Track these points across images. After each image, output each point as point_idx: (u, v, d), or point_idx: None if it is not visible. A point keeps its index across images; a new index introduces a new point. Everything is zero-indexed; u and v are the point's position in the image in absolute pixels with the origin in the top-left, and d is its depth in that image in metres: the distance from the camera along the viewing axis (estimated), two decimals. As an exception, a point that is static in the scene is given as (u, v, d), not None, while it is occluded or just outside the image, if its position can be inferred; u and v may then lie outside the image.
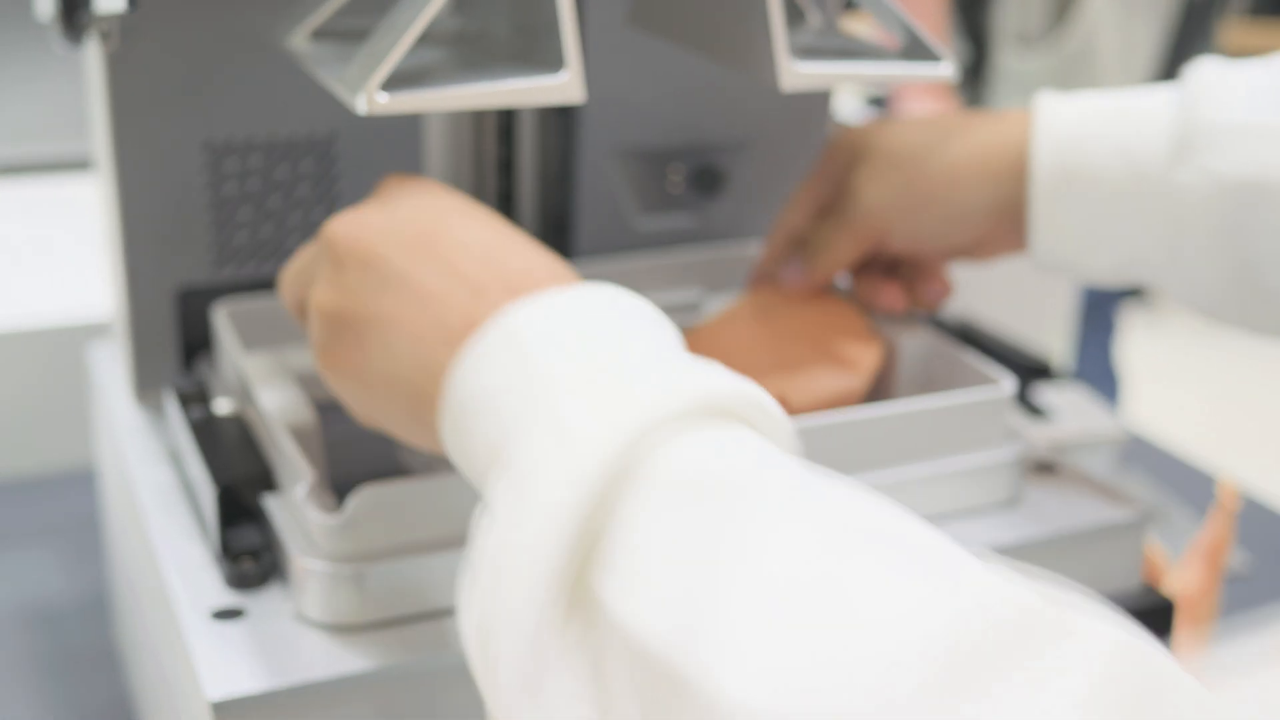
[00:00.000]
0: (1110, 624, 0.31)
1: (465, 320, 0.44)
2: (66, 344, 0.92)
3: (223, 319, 0.64)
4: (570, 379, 0.40)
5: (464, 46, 0.57)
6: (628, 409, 0.37)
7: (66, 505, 0.90)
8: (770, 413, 0.41)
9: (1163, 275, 0.62)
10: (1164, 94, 0.62)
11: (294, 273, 0.54)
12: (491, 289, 0.45)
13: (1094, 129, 0.62)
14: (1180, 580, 0.76)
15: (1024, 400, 0.98)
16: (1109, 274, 0.64)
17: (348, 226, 0.49)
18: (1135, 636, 0.31)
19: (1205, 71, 0.61)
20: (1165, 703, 0.29)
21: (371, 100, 0.49)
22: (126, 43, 0.63)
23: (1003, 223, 0.65)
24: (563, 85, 0.51)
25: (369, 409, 0.49)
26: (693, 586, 0.33)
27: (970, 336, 1.06)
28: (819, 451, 0.46)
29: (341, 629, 0.52)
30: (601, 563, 0.36)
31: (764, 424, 0.40)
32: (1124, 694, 0.29)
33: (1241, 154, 0.58)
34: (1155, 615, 0.62)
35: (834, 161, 0.68)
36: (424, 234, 0.47)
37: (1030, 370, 1.02)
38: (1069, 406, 0.98)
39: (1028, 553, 0.60)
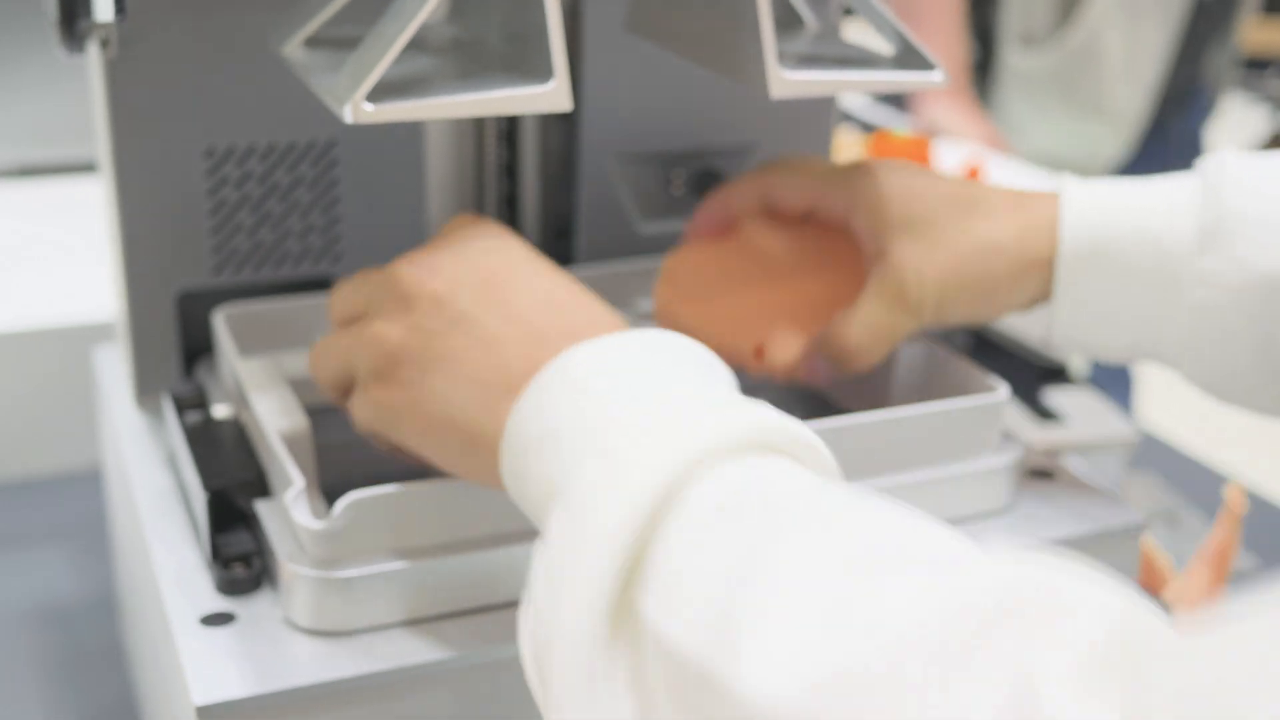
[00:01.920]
0: (1112, 594, 0.33)
1: (526, 365, 0.47)
2: (79, 344, 0.93)
3: (221, 323, 0.65)
4: (624, 418, 0.43)
5: (458, 55, 0.57)
6: (676, 443, 0.41)
7: (76, 505, 0.91)
8: (813, 446, 0.44)
9: (1182, 359, 0.62)
10: (1188, 181, 0.62)
11: (332, 348, 0.55)
12: (553, 336, 0.48)
13: (1118, 213, 0.62)
14: (1184, 587, 0.75)
15: (1035, 404, 0.98)
16: (1124, 354, 0.64)
17: (418, 268, 0.52)
18: (1134, 605, 0.32)
19: (1229, 162, 0.61)
20: (1157, 669, 0.30)
21: (357, 110, 0.49)
22: (126, 49, 0.63)
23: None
24: (549, 94, 0.51)
25: (418, 441, 0.51)
26: (723, 598, 0.36)
27: (984, 339, 1.06)
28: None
29: (329, 635, 0.52)
30: (644, 583, 0.39)
31: (808, 457, 0.43)
32: (1117, 662, 0.30)
33: (1273, 246, 0.59)
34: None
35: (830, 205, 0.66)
36: (491, 279, 0.51)
37: (1045, 373, 1.02)
38: (1081, 409, 0.98)
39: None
